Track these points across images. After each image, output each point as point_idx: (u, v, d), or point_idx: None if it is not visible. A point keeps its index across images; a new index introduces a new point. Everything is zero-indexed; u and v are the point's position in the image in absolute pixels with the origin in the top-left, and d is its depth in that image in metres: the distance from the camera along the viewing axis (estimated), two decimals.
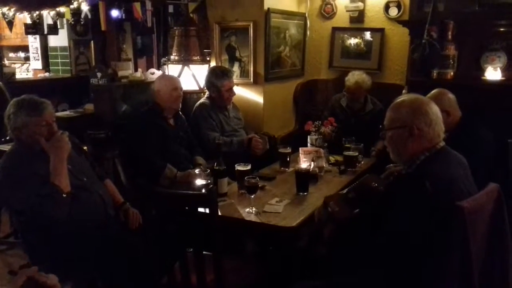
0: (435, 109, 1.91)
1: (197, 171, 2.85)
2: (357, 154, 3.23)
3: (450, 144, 1.97)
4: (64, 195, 2.21)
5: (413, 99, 1.95)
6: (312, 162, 2.91)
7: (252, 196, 2.47)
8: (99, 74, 3.65)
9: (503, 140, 2.79)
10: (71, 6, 5.38)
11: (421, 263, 1.74)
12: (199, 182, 2.64)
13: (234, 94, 3.72)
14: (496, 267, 1.86)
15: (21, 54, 7.47)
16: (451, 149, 1.95)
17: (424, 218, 1.74)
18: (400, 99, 2.00)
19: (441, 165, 1.85)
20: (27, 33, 6.10)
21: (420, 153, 1.89)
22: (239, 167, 2.72)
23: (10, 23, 5.60)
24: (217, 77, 3.61)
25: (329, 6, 4.53)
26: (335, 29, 4.57)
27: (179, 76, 3.85)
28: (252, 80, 4.07)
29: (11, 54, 7.64)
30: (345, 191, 2.16)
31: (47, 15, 5.75)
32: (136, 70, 4.45)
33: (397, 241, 1.77)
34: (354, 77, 3.96)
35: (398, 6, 4.21)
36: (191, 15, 4.77)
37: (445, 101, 2.64)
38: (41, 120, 2.28)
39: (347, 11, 4.43)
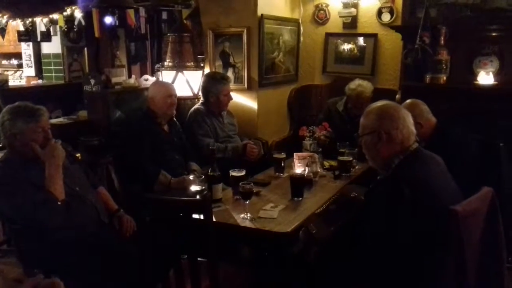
0: (402, 113, 1.95)
1: (191, 177, 2.84)
2: (351, 159, 3.24)
3: (429, 151, 2.00)
4: (59, 203, 2.21)
5: (381, 105, 2.00)
6: (307, 167, 2.91)
7: (247, 202, 2.46)
8: (92, 81, 3.64)
9: (495, 144, 2.80)
10: (65, 13, 5.37)
11: (413, 268, 1.73)
12: (194, 188, 2.63)
13: (231, 98, 3.74)
14: (491, 270, 1.87)
15: (14, 61, 7.44)
16: (424, 149, 1.98)
17: (405, 223, 1.75)
18: (370, 106, 2.05)
19: (417, 166, 1.89)
20: (20, 40, 6.08)
21: (394, 156, 1.93)
22: (233, 173, 2.71)
23: (3, 31, 5.59)
24: (217, 82, 3.63)
25: (322, 12, 4.55)
26: (328, 35, 4.59)
27: (173, 82, 3.84)
28: (246, 86, 4.07)
29: (4, 61, 7.61)
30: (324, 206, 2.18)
31: (40, 22, 5.74)
32: (130, 76, 4.43)
33: (382, 249, 1.78)
34: (367, 85, 3.86)
35: (391, 12, 4.23)
36: (184, 21, 4.78)
37: (417, 113, 2.53)
38: (37, 127, 2.28)
39: (340, 17, 4.45)
